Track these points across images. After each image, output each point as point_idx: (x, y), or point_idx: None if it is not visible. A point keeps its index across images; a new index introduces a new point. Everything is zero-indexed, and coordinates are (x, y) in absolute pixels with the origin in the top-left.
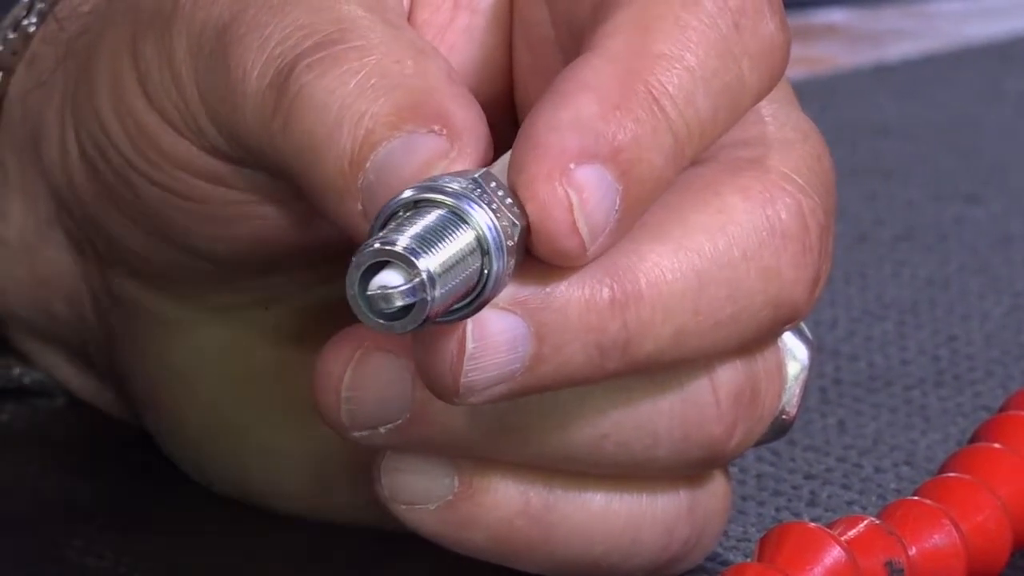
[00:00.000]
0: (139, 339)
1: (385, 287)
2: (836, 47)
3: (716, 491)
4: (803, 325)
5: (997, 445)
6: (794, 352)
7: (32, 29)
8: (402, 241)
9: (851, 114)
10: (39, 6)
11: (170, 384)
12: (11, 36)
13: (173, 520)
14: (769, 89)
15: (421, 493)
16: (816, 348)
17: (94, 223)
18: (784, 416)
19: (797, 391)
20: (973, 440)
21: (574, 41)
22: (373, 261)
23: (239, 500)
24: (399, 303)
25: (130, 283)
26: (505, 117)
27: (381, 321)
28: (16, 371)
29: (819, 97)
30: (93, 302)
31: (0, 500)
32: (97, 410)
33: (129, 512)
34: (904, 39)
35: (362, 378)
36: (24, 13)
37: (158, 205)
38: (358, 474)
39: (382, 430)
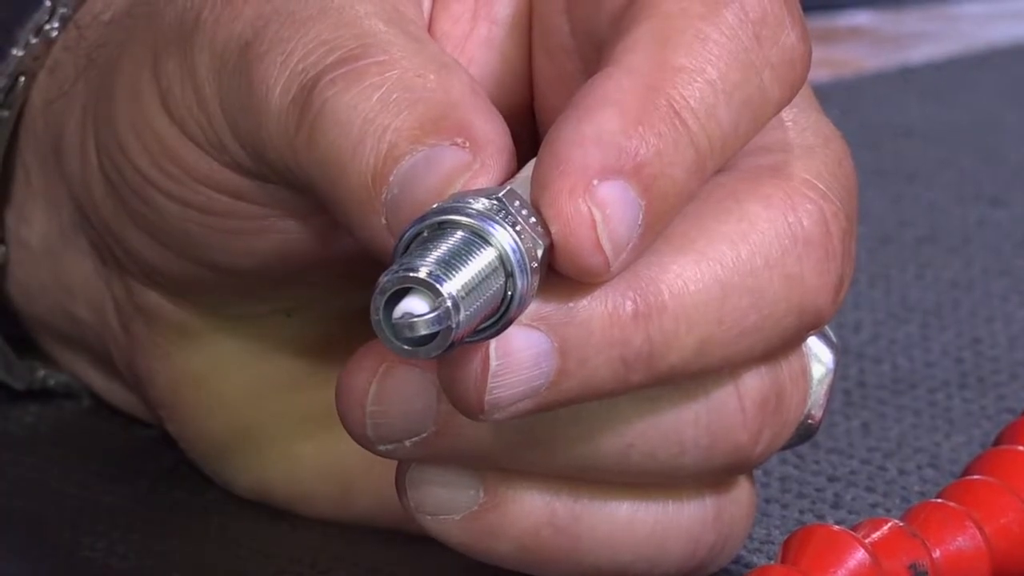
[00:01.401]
0: (161, 346)
1: (410, 314)
2: (860, 50)
3: (741, 497)
4: (828, 328)
5: (1021, 448)
6: (819, 356)
7: (54, 34)
8: (425, 267)
9: (875, 117)
10: (61, 11)
11: (191, 390)
12: (33, 41)
13: (196, 522)
14: (790, 99)
15: (447, 504)
16: (841, 351)
17: (114, 235)
18: (810, 420)
19: (823, 394)
20: (997, 442)
21: (594, 51)
22: (397, 288)
23: (261, 503)
24: (424, 331)
25: (151, 292)
26: (525, 126)
27: (407, 348)
28: (41, 373)
29: (843, 100)
30: (115, 308)
31: (24, 501)
32: (121, 412)
33: (152, 514)
34: (928, 41)
35: (387, 392)
36: (46, 18)
37: (178, 221)
38: (379, 478)
39: (407, 443)
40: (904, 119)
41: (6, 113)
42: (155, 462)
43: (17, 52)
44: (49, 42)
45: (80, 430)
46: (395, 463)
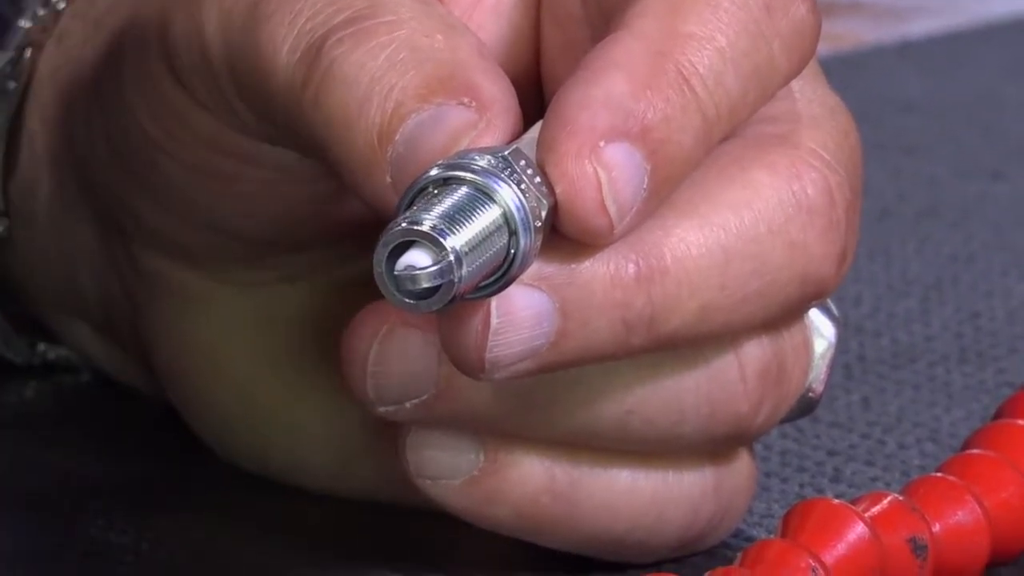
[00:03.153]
0: (164, 314)
1: (413, 267)
2: (860, 23)
3: (741, 469)
4: (830, 303)
5: (1021, 421)
6: (821, 329)
7: (62, 5)
8: (429, 220)
9: (875, 91)
10: None
11: (195, 359)
12: (41, 12)
13: (196, 497)
14: (799, 71)
15: (446, 468)
16: (843, 325)
17: (118, 200)
18: (811, 393)
19: (824, 368)
20: (997, 416)
21: (603, 19)
22: (401, 240)
23: (262, 476)
24: (426, 284)
25: (156, 259)
26: (532, 95)
27: (408, 300)
28: (41, 347)
29: (843, 73)
30: (119, 277)
31: (24, 476)
32: (122, 387)
33: (152, 489)
34: (928, 15)
35: (388, 353)
36: None
37: (184, 185)
38: (381, 451)
39: (408, 405)
40: (904, 93)
41: (12, 84)
42: (155, 437)
43: (25, 23)
44: (56, 13)
45: (80, 405)
46: (395, 437)
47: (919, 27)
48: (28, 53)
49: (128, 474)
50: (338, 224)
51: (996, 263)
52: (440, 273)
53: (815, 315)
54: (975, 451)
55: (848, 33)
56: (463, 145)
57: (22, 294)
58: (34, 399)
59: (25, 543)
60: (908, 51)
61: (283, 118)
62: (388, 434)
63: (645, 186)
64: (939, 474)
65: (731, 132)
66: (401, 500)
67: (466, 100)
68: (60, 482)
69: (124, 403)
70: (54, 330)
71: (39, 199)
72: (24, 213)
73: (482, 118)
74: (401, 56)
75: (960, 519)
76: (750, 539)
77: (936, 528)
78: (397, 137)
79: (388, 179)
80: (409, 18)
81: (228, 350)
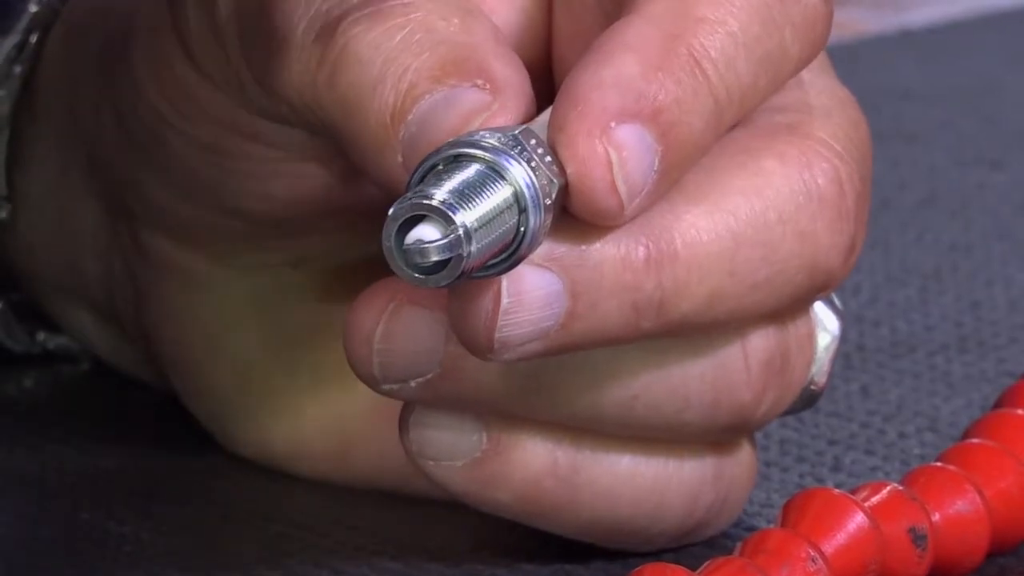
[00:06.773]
0: (167, 296)
1: (421, 241)
2: (860, 12)
3: (742, 459)
4: (835, 296)
5: (1021, 411)
6: (825, 323)
7: None
8: (439, 195)
9: (875, 79)
10: None
11: (196, 343)
12: None
13: (196, 486)
14: (810, 59)
15: (449, 449)
16: (846, 319)
17: (126, 181)
18: (813, 386)
19: (827, 362)
20: (996, 406)
21: (615, 7)
22: (410, 215)
23: (263, 464)
24: (435, 258)
25: (160, 240)
26: (544, 82)
27: (417, 275)
28: (41, 336)
29: (843, 62)
30: (122, 259)
31: (23, 465)
32: (122, 376)
33: (152, 478)
34: (928, 4)
35: (394, 331)
36: None
37: (191, 163)
38: (382, 438)
39: (412, 384)
40: (904, 82)
41: (19, 68)
42: (154, 426)
43: (32, 8)
44: None
45: (79, 394)
46: (396, 424)
47: (919, 16)
48: (35, 37)
49: (128, 463)
50: (345, 208)
51: (996, 252)
52: (449, 247)
53: (820, 309)
54: (975, 440)
55: (848, 22)
56: (475, 126)
57: (24, 279)
58: (34, 388)
59: (24, 532)
60: (908, 40)
61: (296, 97)
62: (389, 421)
63: (655, 168)
64: (939, 464)
65: (742, 118)
66: (402, 488)
67: (480, 82)
68: (59, 471)
69: (124, 392)
70: (55, 318)
71: (44, 180)
72: (28, 197)
73: (495, 100)
74: (416, 37)
75: (960, 509)
76: (750, 529)
77: (936, 518)
78: (410, 117)
79: (399, 159)
80: (425, 0)
81: (230, 334)
